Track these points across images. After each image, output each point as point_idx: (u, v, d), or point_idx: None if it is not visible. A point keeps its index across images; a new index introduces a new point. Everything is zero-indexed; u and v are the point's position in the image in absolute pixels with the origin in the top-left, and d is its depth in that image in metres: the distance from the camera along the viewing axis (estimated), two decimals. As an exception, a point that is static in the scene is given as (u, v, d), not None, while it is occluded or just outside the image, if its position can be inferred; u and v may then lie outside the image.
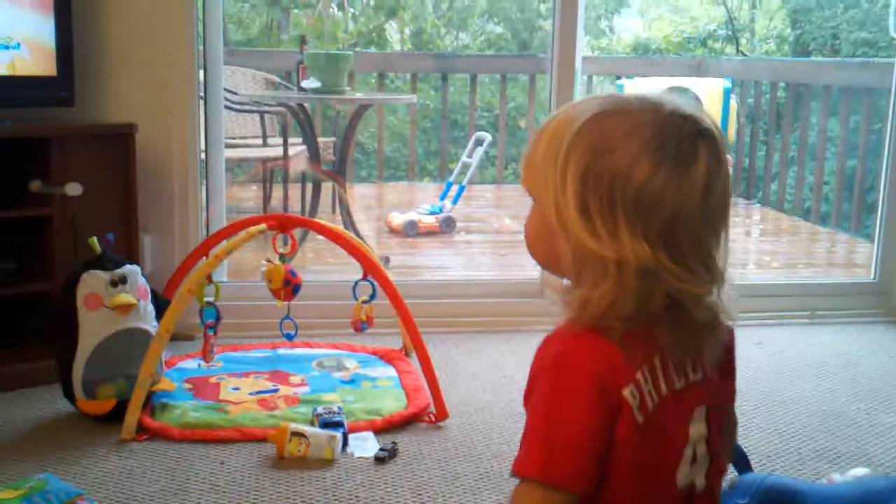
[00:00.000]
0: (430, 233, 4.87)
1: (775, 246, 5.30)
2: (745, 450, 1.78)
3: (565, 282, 1.03)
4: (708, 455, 1.06)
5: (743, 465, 1.76)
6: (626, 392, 0.97)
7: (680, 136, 0.95)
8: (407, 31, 9.13)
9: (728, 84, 5.84)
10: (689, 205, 0.95)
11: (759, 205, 6.14)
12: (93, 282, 2.18)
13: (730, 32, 9.33)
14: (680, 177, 0.94)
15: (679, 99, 0.99)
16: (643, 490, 1.02)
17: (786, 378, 2.65)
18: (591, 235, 0.95)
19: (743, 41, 9.41)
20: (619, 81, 6.10)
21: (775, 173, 5.98)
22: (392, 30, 9.10)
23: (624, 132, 0.95)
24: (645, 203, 0.94)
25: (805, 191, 5.79)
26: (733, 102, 5.84)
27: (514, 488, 1.00)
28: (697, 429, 1.04)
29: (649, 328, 0.98)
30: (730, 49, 9.18)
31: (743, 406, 2.41)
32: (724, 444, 1.14)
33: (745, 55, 9.01)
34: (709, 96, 5.85)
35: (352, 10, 9.06)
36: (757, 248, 5.31)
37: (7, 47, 2.49)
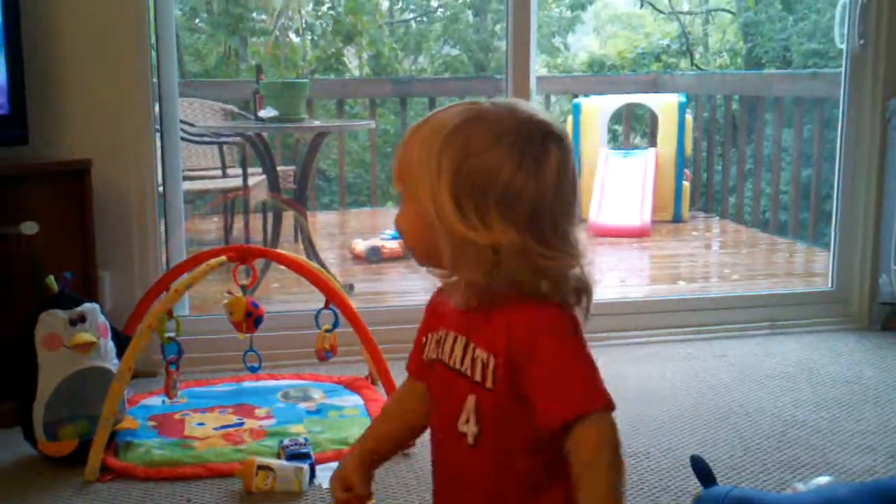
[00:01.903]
0: (393, 258, 4.87)
1: (735, 258, 5.36)
2: (709, 463, 1.79)
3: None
4: None
5: (708, 478, 1.77)
6: None
7: (533, 140, 1.10)
8: (365, 56, 9.16)
9: (683, 99, 5.93)
10: (546, 196, 1.10)
11: (718, 218, 6.21)
12: (51, 321, 2.16)
13: (684, 47, 9.46)
14: (536, 173, 1.10)
15: (531, 106, 1.15)
16: None
17: (748, 389, 2.67)
18: (467, 227, 1.09)
19: (697, 56, 9.55)
20: (575, 100, 6.17)
21: (733, 186, 6.06)
22: (350, 55, 9.13)
23: (489, 137, 1.10)
24: (511, 197, 1.09)
25: (763, 202, 5.87)
26: (688, 117, 5.92)
27: (580, 430, 1.06)
28: None
29: None
30: (684, 64, 9.32)
31: (707, 419, 2.44)
32: None
33: (700, 69, 9.14)
34: (664, 111, 5.93)
35: (309, 36, 9.08)
36: (717, 260, 5.37)
37: (-43, 88, 2.47)
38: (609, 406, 1.08)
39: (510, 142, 1.09)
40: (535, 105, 1.16)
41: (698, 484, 1.79)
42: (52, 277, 2.22)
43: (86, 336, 2.17)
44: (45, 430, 2.15)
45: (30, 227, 2.45)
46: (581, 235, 1.15)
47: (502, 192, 1.09)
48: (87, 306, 2.22)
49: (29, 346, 2.16)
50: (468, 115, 1.12)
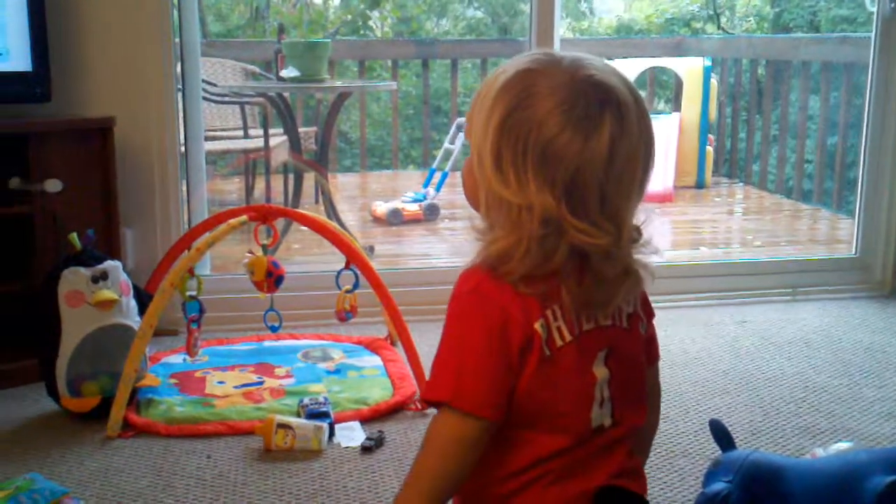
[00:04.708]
0: (414, 220, 4.86)
1: (758, 224, 5.32)
2: (728, 427, 1.79)
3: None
4: (610, 398, 1.12)
5: (726, 442, 1.77)
6: (538, 325, 1.06)
7: (588, 102, 1.03)
8: (390, 21, 9.08)
9: (708, 63, 5.85)
10: (593, 165, 1.02)
11: (741, 184, 6.15)
12: (74, 279, 2.17)
13: (711, 12, 9.32)
14: (584, 138, 1.02)
15: (604, 68, 1.08)
16: (554, 426, 1.09)
17: (769, 355, 2.66)
18: (501, 181, 1.04)
19: (723, 20, 9.40)
20: (599, 63, 6.10)
21: (757, 153, 5.99)
22: (374, 18, 9.05)
23: (543, 90, 1.04)
24: (550, 157, 1.02)
25: (787, 169, 5.81)
26: (713, 81, 5.85)
27: (435, 414, 1.08)
28: (600, 371, 1.11)
29: (555, 274, 1.05)
30: (711, 28, 9.18)
31: (727, 384, 2.43)
32: (636, 397, 1.18)
33: (726, 32, 9.01)
34: (689, 75, 5.86)
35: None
36: (740, 226, 5.33)
37: (-20, 45, 2.47)
38: (453, 403, 1.05)
39: (562, 98, 1.02)
40: (609, 65, 1.09)
41: (717, 448, 1.79)
42: (74, 235, 2.23)
43: (108, 293, 2.18)
44: (68, 386, 2.17)
45: (53, 185, 2.46)
46: (637, 216, 1.08)
47: (542, 149, 1.02)
48: (109, 264, 2.23)
49: (51, 302, 2.18)
50: (530, 65, 1.06)
